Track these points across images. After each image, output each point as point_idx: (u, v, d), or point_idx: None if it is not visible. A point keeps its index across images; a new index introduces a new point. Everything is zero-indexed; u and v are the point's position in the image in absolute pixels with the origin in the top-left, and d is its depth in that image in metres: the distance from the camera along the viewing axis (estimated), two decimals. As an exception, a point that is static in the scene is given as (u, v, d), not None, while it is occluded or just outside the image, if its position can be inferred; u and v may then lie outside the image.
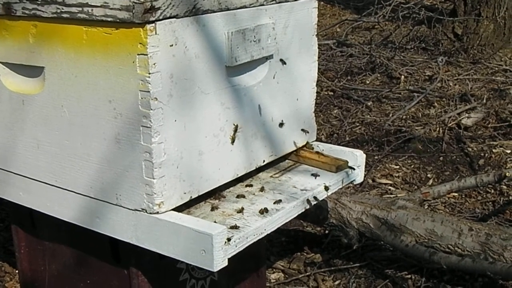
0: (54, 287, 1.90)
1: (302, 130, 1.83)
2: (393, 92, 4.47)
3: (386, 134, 3.74)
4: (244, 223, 1.53)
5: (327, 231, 2.66)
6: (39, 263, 1.90)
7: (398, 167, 3.38)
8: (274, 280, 2.42)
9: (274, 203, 1.63)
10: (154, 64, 1.36)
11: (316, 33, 1.84)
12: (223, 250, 1.40)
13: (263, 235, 1.55)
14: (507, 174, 2.55)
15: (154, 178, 1.42)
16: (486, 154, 3.42)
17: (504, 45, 5.36)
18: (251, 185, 1.74)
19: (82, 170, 1.55)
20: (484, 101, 4.16)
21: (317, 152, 1.90)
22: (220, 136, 1.58)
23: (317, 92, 1.95)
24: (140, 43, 1.34)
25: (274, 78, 1.73)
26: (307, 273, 2.45)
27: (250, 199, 1.66)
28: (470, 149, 3.50)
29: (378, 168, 3.35)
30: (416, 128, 3.81)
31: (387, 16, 5.92)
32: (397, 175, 3.29)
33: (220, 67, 1.54)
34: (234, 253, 1.45)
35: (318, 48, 1.88)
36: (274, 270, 2.48)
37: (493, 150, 3.45)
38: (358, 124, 3.93)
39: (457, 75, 4.80)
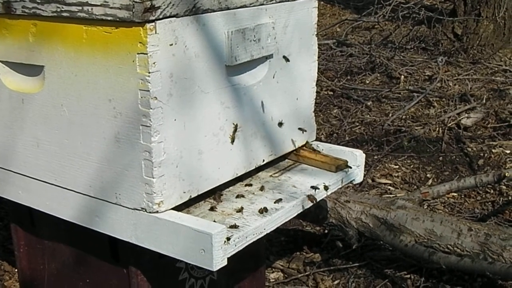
0: (53, 286, 1.90)
1: (300, 129, 1.83)
2: (392, 92, 4.47)
3: (386, 134, 3.75)
4: (243, 222, 1.53)
5: (326, 231, 2.66)
6: (39, 262, 1.90)
7: (397, 167, 3.38)
8: (273, 280, 2.42)
9: (274, 202, 1.63)
10: (154, 63, 1.36)
11: (316, 33, 1.85)
12: (222, 249, 1.40)
13: (262, 235, 1.55)
14: (506, 174, 2.55)
15: (153, 177, 1.42)
16: (486, 154, 3.42)
17: (503, 45, 5.36)
18: (250, 185, 1.74)
19: (82, 169, 1.55)
20: (484, 101, 4.17)
21: (317, 152, 1.91)
22: (219, 136, 1.58)
23: (317, 92, 1.95)
24: (140, 42, 1.34)
25: (274, 77, 1.73)
26: (307, 273, 2.45)
27: (249, 199, 1.66)
28: (469, 149, 3.50)
29: (378, 168, 3.35)
30: (416, 128, 3.81)
31: (387, 16, 5.93)
32: (396, 175, 3.29)
33: (220, 66, 1.54)
34: (234, 252, 1.45)
35: (318, 47, 1.88)
36: (273, 269, 2.48)
37: (493, 150, 3.45)
38: (357, 124, 3.93)
39: (456, 75, 4.80)
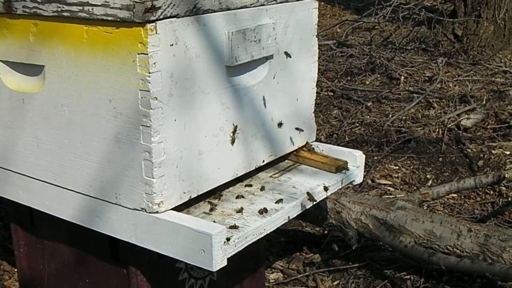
0: (53, 286, 1.90)
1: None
2: (392, 93, 4.47)
3: (386, 134, 3.75)
4: (243, 223, 1.53)
5: (326, 232, 2.66)
6: (38, 262, 1.90)
7: (397, 167, 3.38)
8: (273, 280, 2.42)
9: (274, 203, 1.63)
10: (154, 63, 1.36)
11: (316, 34, 1.85)
12: (222, 250, 1.40)
13: (262, 235, 1.55)
14: (506, 175, 2.55)
15: (153, 178, 1.42)
16: (485, 155, 3.43)
17: (504, 47, 5.36)
18: (250, 185, 1.74)
19: (82, 169, 1.55)
20: (484, 102, 4.17)
21: (317, 153, 1.91)
22: (219, 136, 1.58)
23: (317, 93, 1.95)
24: (141, 43, 1.34)
25: (274, 78, 1.73)
26: (306, 273, 2.45)
27: (249, 199, 1.66)
28: (469, 150, 3.50)
29: (378, 168, 3.35)
30: (416, 129, 3.81)
31: (387, 17, 5.92)
32: (396, 175, 3.29)
33: (220, 66, 1.54)
34: (233, 253, 1.45)
35: (318, 48, 1.88)
36: (273, 270, 2.48)
37: (492, 151, 3.45)
38: (357, 125, 3.94)
39: (456, 76, 4.80)
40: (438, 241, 2.22)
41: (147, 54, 1.34)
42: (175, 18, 1.39)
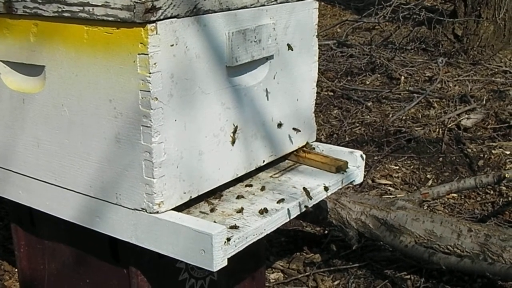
0: (54, 286, 1.90)
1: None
2: (393, 93, 4.47)
3: (386, 134, 3.75)
4: (243, 223, 1.53)
5: (326, 231, 2.66)
6: (39, 262, 1.90)
7: (397, 167, 3.38)
8: (273, 280, 2.42)
9: (274, 203, 1.64)
10: (154, 63, 1.36)
11: (316, 34, 1.85)
12: (222, 250, 1.40)
13: (262, 235, 1.55)
14: (506, 175, 2.55)
15: (154, 178, 1.42)
16: (486, 155, 3.43)
17: (504, 47, 5.36)
18: (251, 185, 1.74)
19: (82, 169, 1.55)
20: (484, 102, 4.17)
21: (317, 153, 1.91)
22: (220, 136, 1.58)
23: (317, 93, 1.95)
24: (141, 43, 1.34)
25: (274, 78, 1.73)
26: (307, 273, 2.45)
27: (250, 199, 1.66)
28: (469, 150, 3.50)
29: (378, 168, 3.35)
30: (416, 128, 3.82)
31: (388, 17, 5.92)
32: (396, 175, 3.29)
33: (220, 67, 1.54)
34: (234, 253, 1.45)
35: (319, 48, 1.88)
36: (273, 270, 2.49)
37: (493, 151, 3.45)
38: (358, 125, 3.94)
39: (457, 76, 4.80)
40: (438, 241, 2.22)
41: (147, 54, 1.34)
42: (175, 19, 1.39)
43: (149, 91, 1.36)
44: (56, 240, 1.83)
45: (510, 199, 2.94)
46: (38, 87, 1.59)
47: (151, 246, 1.48)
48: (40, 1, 1.48)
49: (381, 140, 3.66)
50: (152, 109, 1.38)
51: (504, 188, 3.01)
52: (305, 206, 1.68)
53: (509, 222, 2.73)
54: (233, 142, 1.62)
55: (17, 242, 1.93)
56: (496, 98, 4.26)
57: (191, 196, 1.54)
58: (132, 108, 1.40)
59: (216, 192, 1.65)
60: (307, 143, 1.92)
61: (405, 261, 2.42)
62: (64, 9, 1.44)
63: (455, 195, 2.98)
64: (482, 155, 3.44)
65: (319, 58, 1.90)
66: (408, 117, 4.01)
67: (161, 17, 1.35)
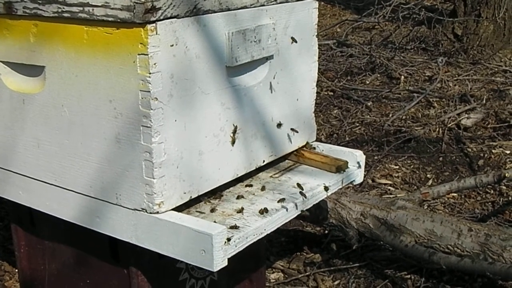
0: (54, 286, 1.90)
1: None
2: (393, 93, 4.47)
3: (386, 134, 3.75)
4: (244, 223, 1.53)
5: (326, 231, 2.67)
6: (39, 262, 1.90)
7: (397, 167, 3.38)
8: (273, 280, 2.42)
9: (274, 203, 1.64)
10: (154, 64, 1.36)
11: (316, 34, 1.85)
12: (223, 250, 1.40)
13: (263, 235, 1.55)
14: (506, 174, 2.55)
15: (154, 178, 1.42)
16: (486, 155, 3.43)
17: (503, 46, 5.36)
18: (251, 185, 1.74)
19: (82, 170, 1.55)
20: (484, 101, 4.17)
21: (317, 152, 1.91)
22: (220, 136, 1.58)
23: (317, 92, 1.95)
24: (141, 43, 1.34)
25: (274, 78, 1.73)
26: (307, 273, 2.45)
27: (250, 199, 1.66)
28: (469, 150, 3.50)
29: (378, 168, 3.35)
30: (416, 128, 3.82)
31: (387, 17, 5.93)
32: (396, 175, 3.29)
33: (220, 67, 1.54)
34: (234, 253, 1.45)
35: (318, 48, 1.88)
36: (273, 270, 2.49)
37: (493, 151, 3.45)
38: (358, 124, 3.94)
39: (456, 75, 4.80)
40: (438, 240, 2.22)
41: (147, 54, 1.34)
42: (175, 19, 1.39)
43: (149, 91, 1.36)
44: (56, 241, 1.83)
45: (510, 198, 2.94)
46: (38, 87, 1.59)
47: (151, 246, 1.48)
48: (40, 2, 1.48)
49: (381, 139, 3.66)
50: (152, 109, 1.38)
51: (504, 187, 3.01)
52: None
53: (510, 222, 2.73)
54: (233, 142, 1.62)
55: (17, 242, 1.93)
56: (496, 97, 4.26)
57: (191, 196, 1.54)
58: (132, 109, 1.40)
59: (216, 192, 1.65)
60: (307, 143, 1.92)
61: (405, 260, 2.42)
62: (64, 10, 1.44)
63: (455, 194, 2.98)
64: (482, 155, 3.44)
65: (319, 58, 1.90)
66: (408, 117, 4.01)
67: (161, 17, 1.35)
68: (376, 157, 3.45)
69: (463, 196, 3.01)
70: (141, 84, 1.37)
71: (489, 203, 2.94)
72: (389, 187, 3.16)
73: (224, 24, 1.52)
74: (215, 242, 1.38)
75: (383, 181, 3.23)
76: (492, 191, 3.02)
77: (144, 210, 1.46)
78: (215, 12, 1.49)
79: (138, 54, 1.35)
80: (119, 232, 1.53)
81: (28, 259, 1.93)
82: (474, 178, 2.67)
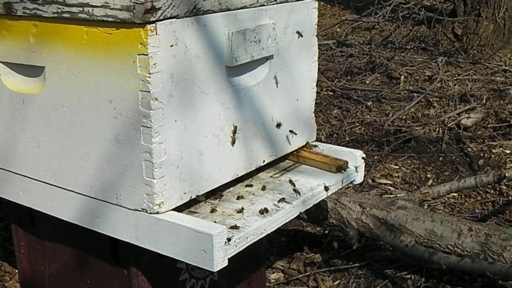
0: (54, 286, 1.90)
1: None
2: (392, 92, 4.47)
3: (386, 134, 3.75)
4: (244, 223, 1.53)
5: (327, 231, 2.66)
6: (39, 263, 1.90)
7: (397, 167, 3.38)
8: (274, 280, 2.42)
9: (274, 203, 1.64)
10: (154, 64, 1.36)
11: (316, 33, 1.85)
12: (223, 250, 1.40)
13: (263, 235, 1.55)
14: (506, 174, 2.55)
15: (154, 178, 1.42)
16: (486, 154, 3.43)
17: (503, 46, 5.36)
18: (251, 185, 1.74)
19: (82, 170, 1.55)
20: (484, 101, 4.17)
21: (317, 152, 1.91)
22: (220, 136, 1.58)
23: (317, 92, 1.95)
24: (141, 43, 1.34)
25: (274, 78, 1.73)
26: (307, 273, 2.45)
27: (250, 199, 1.66)
28: (469, 149, 3.50)
29: (378, 168, 3.35)
30: (416, 128, 3.82)
31: (387, 16, 5.93)
32: (396, 175, 3.29)
33: (220, 67, 1.54)
34: (234, 253, 1.45)
35: (318, 48, 1.88)
36: (274, 270, 2.49)
37: (493, 150, 3.45)
38: (358, 124, 3.94)
39: (456, 75, 4.80)
40: (438, 240, 2.22)
41: (147, 55, 1.34)
42: (175, 19, 1.39)
43: (149, 92, 1.36)
44: (56, 241, 1.83)
45: (510, 198, 2.94)
46: (38, 88, 1.59)
47: (152, 246, 1.48)
48: (40, 2, 1.48)
49: (381, 139, 3.66)
50: (152, 109, 1.38)
51: (504, 187, 3.01)
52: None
53: (510, 221, 2.73)
54: (233, 142, 1.62)
55: (17, 243, 1.93)
56: (496, 97, 4.26)
57: (191, 197, 1.54)
58: (132, 109, 1.40)
59: (217, 192, 1.65)
60: (307, 143, 1.92)
61: (405, 260, 2.42)
62: (63, 10, 1.44)
63: (455, 194, 2.98)
64: (482, 154, 3.44)
65: (318, 57, 1.90)
66: (408, 117, 4.01)
67: (161, 18, 1.35)
68: (376, 157, 3.45)
69: (463, 196, 3.01)
70: (141, 84, 1.37)
71: (489, 203, 2.94)
72: (389, 187, 3.16)
73: (224, 24, 1.52)
74: (215, 242, 1.38)
75: (383, 181, 3.23)
76: (492, 191, 3.02)
77: (144, 210, 1.46)
78: (215, 12, 1.49)
79: (138, 54, 1.35)
80: (119, 233, 1.53)
81: (28, 260, 1.93)
82: (474, 178, 2.67)
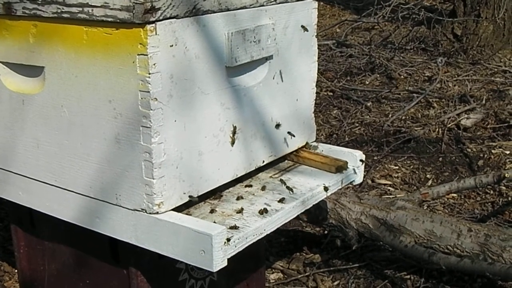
0: (54, 286, 1.90)
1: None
2: (392, 93, 4.47)
3: (386, 134, 3.75)
4: (243, 223, 1.53)
5: (326, 232, 2.66)
6: (39, 263, 1.90)
7: (397, 167, 3.38)
8: (273, 280, 2.42)
9: (274, 203, 1.63)
10: (154, 64, 1.36)
11: (316, 34, 1.85)
12: (222, 250, 1.40)
13: (262, 236, 1.55)
14: (506, 175, 2.55)
15: (153, 178, 1.42)
16: (485, 155, 3.43)
17: (503, 46, 5.36)
18: (250, 186, 1.74)
19: (82, 170, 1.55)
20: (484, 102, 4.17)
21: (317, 153, 1.91)
22: (219, 137, 1.58)
23: (316, 93, 1.95)
24: (140, 44, 1.34)
25: (273, 78, 1.73)
26: (306, 274, 2.45)
27: (249, 200, 1.66)
28: (469, 150, 3.50)
29: (378, 168, 3.35)
30: (416, 128, 3.82)
31: (387, 17, 5.93)
32: (396, 175, 3.29)
33: (220, 67, 1.54)
34: (234, 253, 1.45)
35: (318, 48, 1.88)
36: (273, 270, 2.49)
37: (492, 151, 3.45)
38: (357, 125, 3.94)
39: (456, 76, 4.80)
40: (438, 241, 2.22)
41: (147, 55, 1.34)
42: (174, 19, 1.39)
43: (149, 92, 1.36)
44: (56, 241, 1.83)
45: (510, 199, 2.94)
46: (37, 88, 1.59)
47: (151, 246, 1.48)
48: (40, 2, 1.48)
49: (381, 140, 3.66)
50: (151, 109, 1.38)
51: (504, 188, 3.02)
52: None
53: (509, 222, 2.73)
54: (232, 143, 1.62)
55: (17, 243, 1.93)
56: (495, 97, 4.26)
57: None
58: (131, 109, 1.40)
59: (216, 193, 1.65)
60: (307, 143, 1.92)
61: (405, 261, 2.42)
62: (63, 10, 1.44)
63: (455, 195, 2.98)
64: (482, 155, 3.44)
65: (318, 58, 1.90)
66: (407, 117, 4.01)
67: (161, 18, 1.35)
68: (375, 158, 3.45)
69: (462, 197, 3.01)
70: (140, 85, 1.37)
71: (489, 204, 2.94)
72: (389, 188, 3.16)
73: (224, 24, 1.52)
74: (215, 243, 1.38)
75: (383, 181, 3.23)
76: (491, 192, 3.02)
77: (144, 211, 1.46)
78: (214, 12, 1.49)
79: (138, 55, 1.35)
80: (119, 233, 1.53)
81: (28, 260, 1.93)
82: (473, 178, 2.67)
